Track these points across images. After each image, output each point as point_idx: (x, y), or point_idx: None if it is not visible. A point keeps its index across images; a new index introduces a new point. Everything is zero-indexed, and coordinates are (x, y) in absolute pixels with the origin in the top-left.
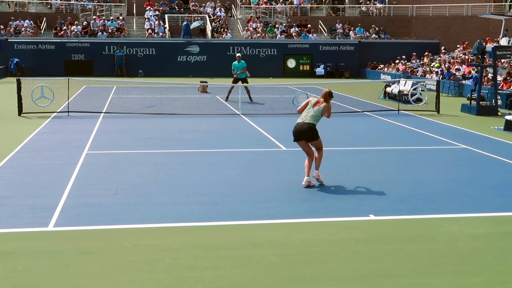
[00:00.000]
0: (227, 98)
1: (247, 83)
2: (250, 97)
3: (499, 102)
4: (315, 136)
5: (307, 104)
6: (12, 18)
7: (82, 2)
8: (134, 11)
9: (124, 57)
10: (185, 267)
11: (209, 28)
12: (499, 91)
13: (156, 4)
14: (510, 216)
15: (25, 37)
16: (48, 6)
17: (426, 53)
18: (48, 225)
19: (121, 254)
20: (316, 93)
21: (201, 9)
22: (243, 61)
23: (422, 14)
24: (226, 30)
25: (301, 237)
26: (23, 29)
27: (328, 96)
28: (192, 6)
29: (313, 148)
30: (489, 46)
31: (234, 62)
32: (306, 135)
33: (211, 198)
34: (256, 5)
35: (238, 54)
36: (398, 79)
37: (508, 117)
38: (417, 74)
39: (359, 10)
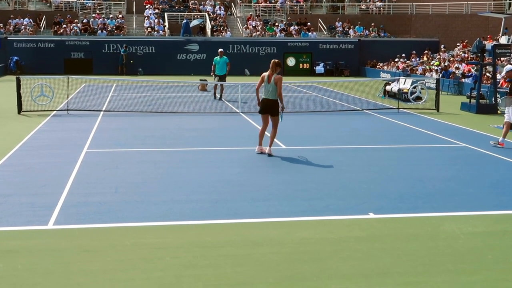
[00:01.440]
0: (214, 96)
1: (224, 80)
2: (221, 95)
3: (499, 100)
4: (276, 112)
5: (262, 80)
6: (12, 16)
7: (82, 0)
8: (134, 9)
9: (126, 56)
10: (185, 265)
11: (208, 26)
12: (498, 89)
13: (156, 2)
14: (509, 214)
15: (24, 35)
16: (48, 4)
17: (425, 51)
18: (48, 223)
19: (121, 252)
20: (315, 91)
21: (201, 7)
22: (225, 57)
23: (422, 12)
24: (225, 28)
25: (300, 235)
26: (22, 27)
27: (275, 66)
28: (191, 4)
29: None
30: (489, 44)
31: (215, 57)
32: (270, 109)
33: (211, 196)
34: (255, 3)
35: (220, 50)
36: (398, 78)
37: None
38: (417, 72)
39: (359, 8)
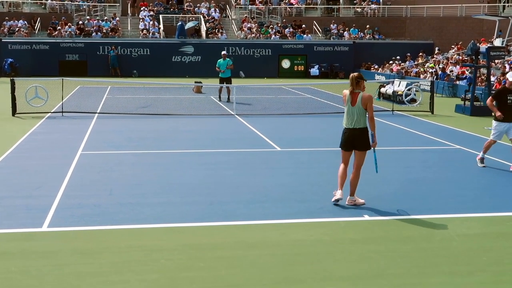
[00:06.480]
0: (219, 98)
1: (231, 83)
2: (228, 97)
3: (493, 102)
4: (365, 145)
5: (344, 100)
6: (6, 18)
7: (77, 2)
8: (129, 11)
9: (117, 57)
10: (180, 268)
11: (203, 28)
12: (492, 92)
13: (151, 4)
14: (504, 216)
15: (19, 37)
16: (43, 6)
17: (420, 54)
18: (42, 226)
19: (115, 255)
20: (310, 93)
21: (196, 9)
22: (228, 59)
23: (417, 15)
24: (220, 30)
25: (295, 237)
26: (17, 29)
27: (356, 80)
28: (186, 6)
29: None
30: (483, 47)
31: (219, 60)
32: (357, 142)
33: (206, 198)
34: (250, 3)
35: (223, 52)
36: (393, 80)
37: None
38: (411, 74)
39: (354, 10)
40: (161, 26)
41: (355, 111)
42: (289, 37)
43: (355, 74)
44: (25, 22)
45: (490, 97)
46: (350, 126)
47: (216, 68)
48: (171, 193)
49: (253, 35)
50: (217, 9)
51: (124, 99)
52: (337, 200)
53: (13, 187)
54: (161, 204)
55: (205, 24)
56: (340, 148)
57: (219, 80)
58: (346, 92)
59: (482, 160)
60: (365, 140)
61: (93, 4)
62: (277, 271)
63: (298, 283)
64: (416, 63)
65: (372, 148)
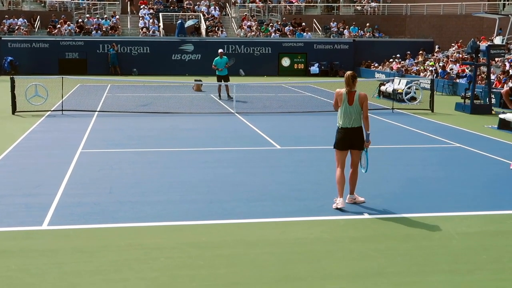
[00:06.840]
0: (219, 96)
1: (229, 80)
2: (228, 95)
3: (493, 100)
4: (362, 144)
5: (338, 101)
6: (6, 16)
7: (76, 1)
8: (128, 10)
9: (116, 55)
10: (180, 266)
11: (203, 26)
12: (493, 90)
13: (151, 2)
14: (503, 214)
15: (19, 35)
16: (42, 5)
17: (420, 52)
18: (42, 224)
19: (115, 253)
20: (310, 92)
21: (196, 7)
22: (225, 57)
23: (417, 13)
24: (220, 28)
25: (295, 235)
26: (16, 27)
27: (352, 79)
28: (186, 4)
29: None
30: (483, 45)
31: (216, 58)
32: (354, 142)
33: (206, 196)
34: (250, 1)
35: (220, 50)
36: (393, 78)
37: (502, 116)
38: (412, 72)
39: (354, 8)
40: (161, 24)
41: (353, 110)
42: (289, 35)
43: (350, 72)
44: (25, 20)
45: (507, 88)
46: (348, 125)
47: (213, 66)
48: (171, 191)
49: (253, 33)
50: (216, 7)
51: (124, 97)
52: (339, 209)
53: (13, 186)
54: (161, 203)
55: (205, 22)
56: (334, 148)
57: (217, 78)
58: (341, 91)
59: None
60: (362, 139)
61: (92, 2)
62: (277, 270)
63: (297, 281)
64: (416, 61)
65: (365, 148)
